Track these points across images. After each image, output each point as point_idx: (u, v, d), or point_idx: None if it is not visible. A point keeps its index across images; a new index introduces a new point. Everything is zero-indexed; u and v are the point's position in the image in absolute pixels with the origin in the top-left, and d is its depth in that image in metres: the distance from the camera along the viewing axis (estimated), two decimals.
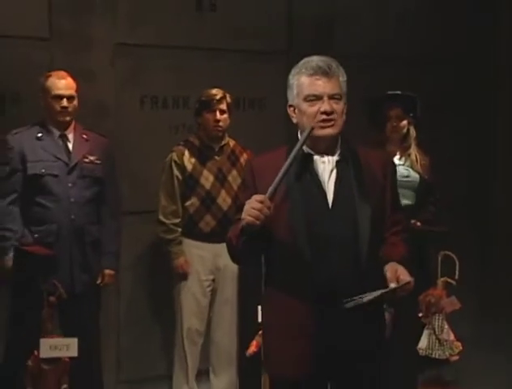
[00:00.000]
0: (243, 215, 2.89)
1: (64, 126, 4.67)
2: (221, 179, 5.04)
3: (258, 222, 2.85)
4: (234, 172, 5.09)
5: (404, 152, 5.21)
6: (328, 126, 2.97)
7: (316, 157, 3.03)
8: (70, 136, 4.69)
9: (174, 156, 5.02)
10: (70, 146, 4.67)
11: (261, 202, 2.84)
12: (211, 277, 5.09)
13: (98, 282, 4.78)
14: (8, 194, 4.54)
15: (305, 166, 3.01)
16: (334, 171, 3.01)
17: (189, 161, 5.00)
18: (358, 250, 2.93)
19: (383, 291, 2.84)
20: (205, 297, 5.09)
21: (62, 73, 4.68)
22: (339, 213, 2.96)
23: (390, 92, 5.16)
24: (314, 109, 2.98)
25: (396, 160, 5.19)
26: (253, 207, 2.85)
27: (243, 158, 5.15)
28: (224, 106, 5.01)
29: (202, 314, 5.10)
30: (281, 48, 5.94)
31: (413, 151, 5.22)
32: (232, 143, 5.17)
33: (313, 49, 3.34)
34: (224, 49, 5.80)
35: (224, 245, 4.79)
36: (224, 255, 5.00)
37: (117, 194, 4.91)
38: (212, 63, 5.72)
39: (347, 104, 3.08)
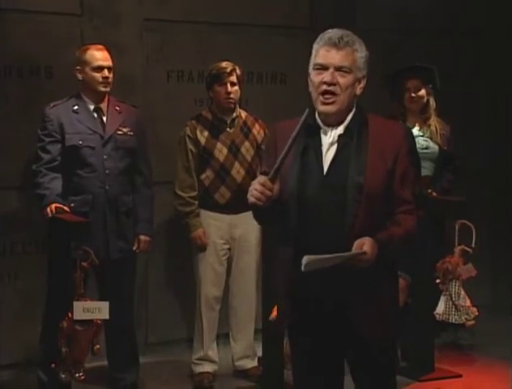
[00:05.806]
0: (248, 195, 2.95)
1: (99, 99, 4.73)
2: (234, 151, 5.10)
3: (260, 203, 2.90)
4: (247, 143, 5.14)
5: (424, 123, 5.31)
6: (328, 103, 2.99)
7: (322, 129, 3.07)
8: (104, 109, 4.75)
9: (187, 130, 5.07)
10: (105, 119, 4.74)
11: (263, 184, 2.89)
12: (227, 246, 5.18)
13: (134, 248, 4.85)
14: (47, 162, 4.60)
15: (312, 137, 3.06)
16: (336, 144, 3.03)
17: (202, 135, 5.06)
18: (344, 220, 2.96)
19: (339, 255, 2.87)
20: (221, 265, 5.17)
21: (99, 46, 4.74)
22: (331, 183, 3.00)
23: (408, 65, 5.28)
24: (319, 78, 2.98)
25: (416, 131, 5.29)
26: (256, 189, 2.89)
27: (255, 129, 5.19)
28: (234, 78, 5.03)
29: (219, 281, 5.19)
30: (303, 23, 5.98)
31: (433, 122, 5.31)
32: (243, 114, 5.20)
33: (335, 23, 3.28)
34: (247, 24, 5.88)
35: (240, 215, 5.08)
36: (240, 226, 5.20)
37: (149, 163, 4.98)
38: (236, 38, 5.81)
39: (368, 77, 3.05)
